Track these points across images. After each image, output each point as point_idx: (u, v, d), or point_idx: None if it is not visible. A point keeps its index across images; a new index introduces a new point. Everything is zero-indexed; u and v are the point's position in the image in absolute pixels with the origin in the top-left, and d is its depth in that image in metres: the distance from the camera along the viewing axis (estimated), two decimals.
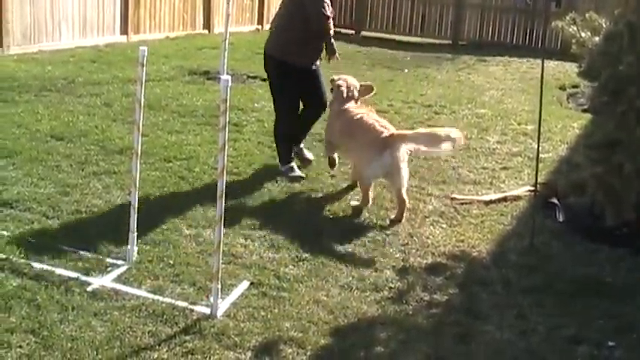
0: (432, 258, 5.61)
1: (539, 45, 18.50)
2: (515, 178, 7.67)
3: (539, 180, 6.37)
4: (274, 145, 7.44)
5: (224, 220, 4.47)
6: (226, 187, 4.50)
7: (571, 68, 13.91)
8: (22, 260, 4.93)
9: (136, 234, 5.04)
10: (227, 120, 4.38)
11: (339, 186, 6.98)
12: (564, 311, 4.85)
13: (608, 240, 6.03)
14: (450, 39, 19.42)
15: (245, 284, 4.90)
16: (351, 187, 6.91)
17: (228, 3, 11.43)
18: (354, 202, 6.50)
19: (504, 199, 6.94)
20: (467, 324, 4.64)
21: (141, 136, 5.00)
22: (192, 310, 4.50)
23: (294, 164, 7.22)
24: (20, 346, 3.99)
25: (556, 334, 4.57)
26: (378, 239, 5.84)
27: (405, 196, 6.29)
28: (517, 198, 6.97)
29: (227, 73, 10.82)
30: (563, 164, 8.14)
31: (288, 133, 7.36)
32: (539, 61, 15.54)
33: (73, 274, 4.80)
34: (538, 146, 6.26)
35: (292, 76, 7.13)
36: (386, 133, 6.35)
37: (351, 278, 5.13)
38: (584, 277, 5.40)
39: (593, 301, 5.02)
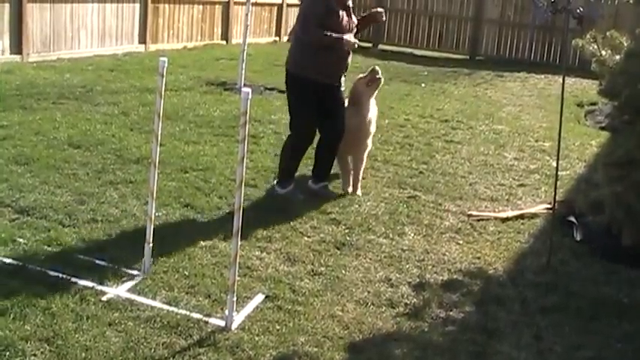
0: (448, 275, 5.57)
1: (557, 61, 18.47)
2: (533, 195, 7.63)
3: (556, 198, 6.32)
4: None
5: (240, 232, 4.45)
6: (243, 199, 4.48)
7: (589, 85, 13.93)
8: (38, 268, 4.92)
9: (151, 244, 5.02)
10: (247, 132, 4.36)
11: (355, 200, 6.95)
12: (582, 332, 4.80)
13: (626, 260, 5.97)
14: (468, 54, 19.41)
15: (260, 297, 4.87)
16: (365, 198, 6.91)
17: (247, 14, 11.47)
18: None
19: (521, 216, 6.90)
20: (483, 342, 4.59)
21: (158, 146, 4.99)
22: (206, 323, 4.47)
23: (292, 187, 6.87)
24: (34, 355, 3.98)
25: (574, 355, 4.51)
26: (394, 255, 5.81)
27: None
28: (534, 215, 6.93)
29: (245, 85, 10.85)
30: (581, 182, 8.11)
31: (295, 155, 6.88)
32: (557, 77, 15.63)
33: (88, 284, 4.78)
34: (557, 163, 6.22)
35: (308, 93, 6.68)
36: None
37: (366, 293, 5.10)
38: (601, 297, 5.35)
39: (611, 322, 4.96)
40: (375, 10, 7.19)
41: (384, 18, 7.19)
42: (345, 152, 7.13)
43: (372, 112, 7.18)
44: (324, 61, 6.62)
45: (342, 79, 6.88)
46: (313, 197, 6.88)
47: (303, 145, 6.89)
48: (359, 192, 7.14)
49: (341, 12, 6.67)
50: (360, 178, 7.21)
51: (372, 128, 7.24)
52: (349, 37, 6.67)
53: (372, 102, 7.17)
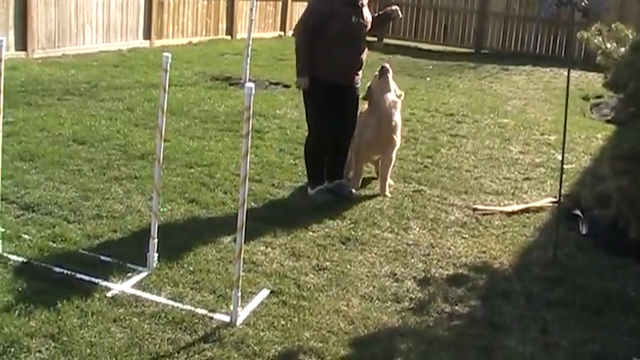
0: (454, 269, 5.55)
1: (563, 54, 18.42)
2: (538, 189, 7.60)
3: (562, 191, 6.30)
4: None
5: (245, 227, 4.44)
6: (247, 194, 4.47)
7: (594, 78, 13.88)
8: (43, 264, 4.93)
9: (156, 240, 5.01)
10: (250, 127, 4.35)
11: (359, 195, 6.94)
12: (588, 326, 4.78)
13: (632, 254, 5.94)
14: (473, 47, 19.36)
15: (265, 292, 4.87)
16: (369, 196, 6.89)
17: (251, 9, 11.45)
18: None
19: (527, 210, 6.88)
20: (489, 337, 4.57)
21: (163, 142, 4.98)
22: (211, 318, 4.46)
23: (323, 187, 6.76)
24: (39, 351, 3.98)
25: (580, 349, 4.50)
26: (400, 249, 5.80)
27: None
28: (540, 209, 6.91)
29: (249, 80, 10.84)
30: (586, 176, 8.08)
31: (316, 157, 6.76)
32: (562, 70, 15.58)
33: (93, 279, 4.78)
34: (563, 157, 6.19)
35: (321, 92, 6.55)
36: None
37: (371, 288, 5.09)
38: (608, 291, 5.32)
39: (617, 316, 4.94)
40: (390, 8, 7.03)
41: (400, 16, 7.05)
42: (368, 153, 7.07)
43: (391, 103, 6.89)
44: (332, 61, 6.51)
45: (357, 78, 6.73)
46: (332, 195, 6.79)
47: (320, 146, 6.73)
48: (387, 193, 6.98)
49: (349, 12, 6.51)
50: (388, 178, 7.07)
51: (397, 118, 6.95)
52: (304, 80, 6.51)
53: (391, 96, 6.91)
